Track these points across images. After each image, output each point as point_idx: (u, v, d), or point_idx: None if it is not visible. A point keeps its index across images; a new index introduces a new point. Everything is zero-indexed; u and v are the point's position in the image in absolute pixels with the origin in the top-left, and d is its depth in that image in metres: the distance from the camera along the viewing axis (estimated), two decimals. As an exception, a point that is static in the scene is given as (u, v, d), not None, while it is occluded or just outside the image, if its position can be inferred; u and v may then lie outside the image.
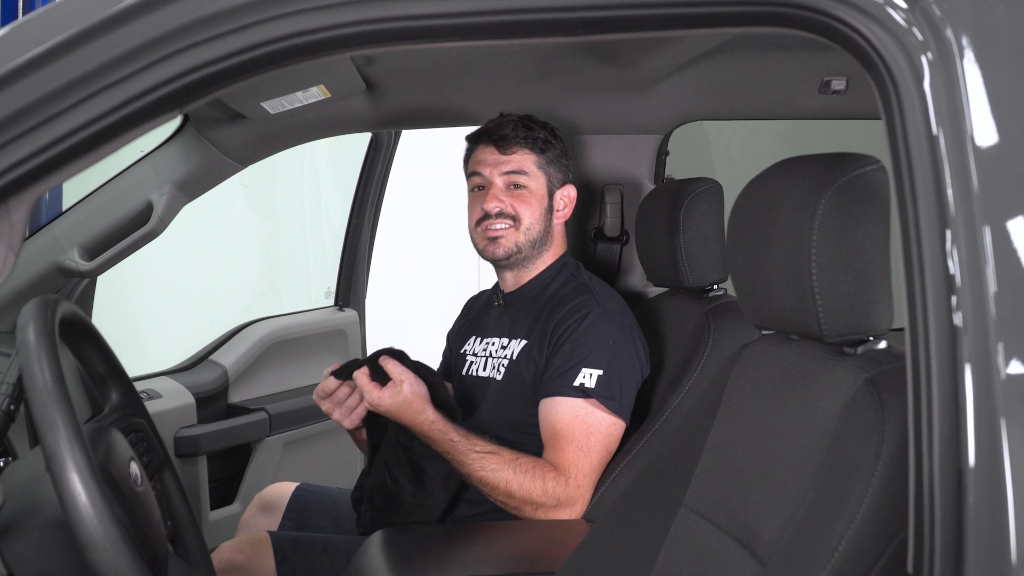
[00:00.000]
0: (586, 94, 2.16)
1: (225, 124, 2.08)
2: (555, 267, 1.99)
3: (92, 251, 2.11)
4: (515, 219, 1.93)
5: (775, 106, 2.26)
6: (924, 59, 0.93)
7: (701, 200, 1.88)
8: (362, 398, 1.79)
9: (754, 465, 1.23)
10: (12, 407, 1.24)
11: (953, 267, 0.92)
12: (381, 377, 1.75)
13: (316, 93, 1.92)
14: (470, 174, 1.99)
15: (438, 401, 1.77)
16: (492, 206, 1.92)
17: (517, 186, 1.93)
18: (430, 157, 3.77)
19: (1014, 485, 0.89)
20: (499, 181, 1.94)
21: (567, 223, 2.03)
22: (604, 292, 1.93)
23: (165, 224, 2.12)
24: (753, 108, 2.30)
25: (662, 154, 2.34)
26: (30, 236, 2.18)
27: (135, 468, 1.15)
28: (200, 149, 2.12)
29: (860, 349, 1.14)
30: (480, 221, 1.95)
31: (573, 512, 1.77)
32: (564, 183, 2.00)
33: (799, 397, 1.19)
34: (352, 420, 1.84)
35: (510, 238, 1.94)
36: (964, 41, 0.92)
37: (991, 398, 0.89)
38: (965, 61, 0.95)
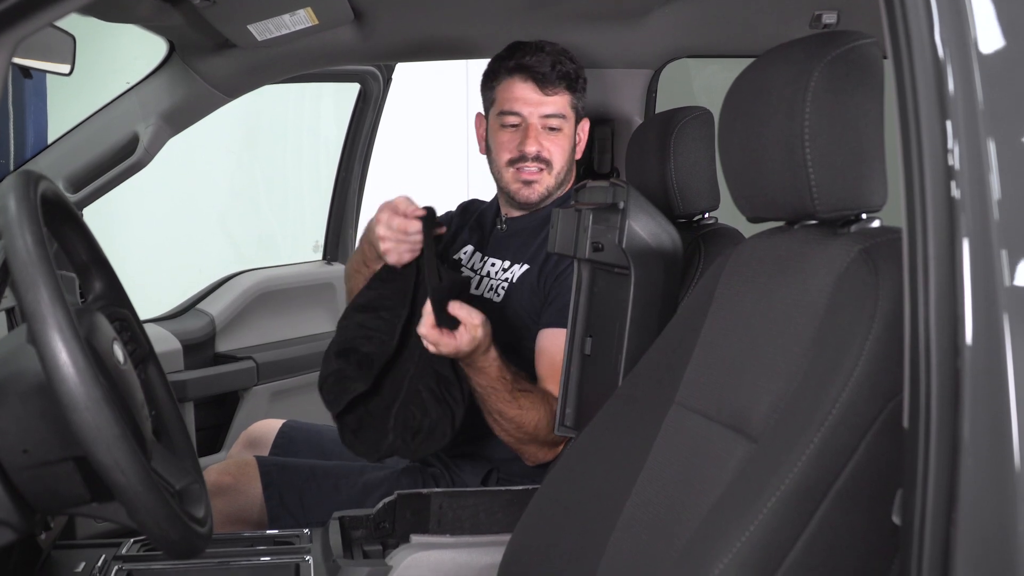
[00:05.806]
0: (577, 24, 2.14)
1: (212, 54, 2.06)
2: (562, 199, 1.96)
3: (77, 183, 2.10)
4: (548, 163, 1.89)
5: (766, 41, 2.20)
6: None
7: (692, 127, 1.86)
8: (421, 248, 1.67)
9: (747, 351, 1.21)
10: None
11: (951, 141, 0.91)
12: (447, 320, 1.61)
13: (303, 18, 1.90)
14: (504, 111, 1.90)
15: None
16: (532, 149, 1.87)
17: (553, 129, 1.89)
18: (420, 110, 3.75)
19: (1014, 360, 0.88)
20: (537, 123, 1.88)
21: None
22: None
23: (151, 156, 2.11)
24: (743, 43, 2.28)
25: (652, 91, 2.33)
26: (14, 171, 2.16)
27: (118, 349, 1.13)
28: (186, 80, 2.10)
29: (854, 228, 1.13)
30: (513, 161, 1.89)
31: None
32: (582, 118, 1.98)
33: (791, 279, 1.17)
34: (400, 260, 1.70)
35: (543, 183, 1.90)
36: None
37: (992, 293, 0.88)
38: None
